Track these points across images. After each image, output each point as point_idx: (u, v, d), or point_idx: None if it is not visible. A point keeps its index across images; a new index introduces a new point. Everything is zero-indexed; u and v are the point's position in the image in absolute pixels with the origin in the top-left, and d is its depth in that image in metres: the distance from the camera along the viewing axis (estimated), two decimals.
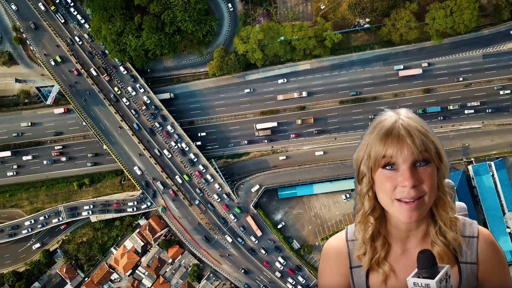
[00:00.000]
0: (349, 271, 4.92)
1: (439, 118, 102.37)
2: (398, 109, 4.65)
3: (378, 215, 4.76)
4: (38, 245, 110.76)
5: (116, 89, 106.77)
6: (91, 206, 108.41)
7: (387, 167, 4.42)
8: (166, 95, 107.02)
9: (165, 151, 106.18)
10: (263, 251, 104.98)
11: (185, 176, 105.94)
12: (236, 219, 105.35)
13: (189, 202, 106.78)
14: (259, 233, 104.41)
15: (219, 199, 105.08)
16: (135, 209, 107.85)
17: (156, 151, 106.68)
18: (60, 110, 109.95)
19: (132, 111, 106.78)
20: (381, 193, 4.54)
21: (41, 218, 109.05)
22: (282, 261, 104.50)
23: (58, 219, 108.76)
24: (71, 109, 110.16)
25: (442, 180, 4.61)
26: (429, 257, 4.26)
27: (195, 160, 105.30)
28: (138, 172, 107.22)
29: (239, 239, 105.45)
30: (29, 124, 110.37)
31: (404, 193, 4.36)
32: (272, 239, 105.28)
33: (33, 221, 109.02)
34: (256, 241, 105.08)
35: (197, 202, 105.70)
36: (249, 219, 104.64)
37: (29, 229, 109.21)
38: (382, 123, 4.52)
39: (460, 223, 4.81)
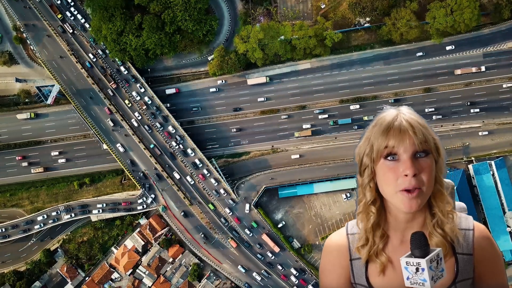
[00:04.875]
0: (349, 263, 5.10)
1: (354, 127, 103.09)
2: (399, 107, 4.85)
3: (378, 206, 4.95)
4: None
5: (127, 101, 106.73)
6: (104, 205, 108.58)
7: (389, 158, 4.63)
8: (262, 79, 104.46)
9: (188, 178, 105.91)
10: (279, 267, 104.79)
11: (210, 206, 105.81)
12: (251, 234, 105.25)
13: (189, 202, 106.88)
14: (276, 249, 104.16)
15: (231, 212, 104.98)
16: (145, 206, 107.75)
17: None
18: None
19: (146, 126, 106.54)
20: (384, 184, 4.73)
21: (53, 213, 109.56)
22: (295, 272, 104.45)
23: (71, 215, 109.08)
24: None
25: (439, 173, 4.80)
26: (421, 238, 4.43)
27: (200, 165, 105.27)
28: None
29: (258, 255, 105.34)
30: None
31: (405, 183, 4.55)
32: (291, 256, 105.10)
33: (46, 216, 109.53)
34: (273, 257, 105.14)
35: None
36: (265, 237, 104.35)
37: (41, 224, 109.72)
38: (384, 117, 4.73)
39: (457, 217, 4.98)
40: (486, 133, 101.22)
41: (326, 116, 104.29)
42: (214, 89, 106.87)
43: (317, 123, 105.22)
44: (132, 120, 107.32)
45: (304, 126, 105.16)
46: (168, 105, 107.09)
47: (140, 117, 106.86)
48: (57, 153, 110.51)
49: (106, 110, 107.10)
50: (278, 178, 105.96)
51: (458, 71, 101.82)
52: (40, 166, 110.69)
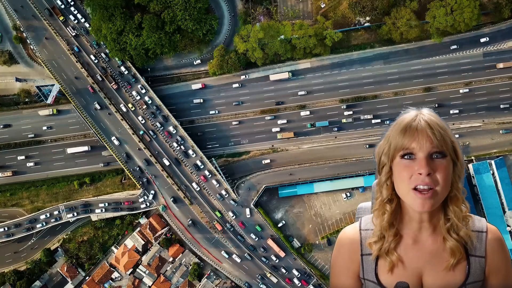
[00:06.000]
0: (360, 257, 5.17)
1: (334, 129, 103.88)
2: (420, 108, 4.88)
3: (395, 205, 4.99)
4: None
5: (130, 105, 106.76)
6: (106, 204, 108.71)
7: (406, 157, 4.67)
8: (285, 75, 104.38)
9: (194, 184, 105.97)
10: (283, 270, 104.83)
11: (216, 213, 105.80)
12: (257, 238, 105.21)
13: (189, 201, 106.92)
14: (282, 254, 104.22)
15: (234, 216, 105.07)
16: (148, 204, 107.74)
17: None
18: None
19: (150, 132, 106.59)
20: (399, 182, 4.78)
21: (56, 212, 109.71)
22: (297, 273, 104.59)
23: (73, 214, 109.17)
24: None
25: (457, 178, 4.81)
26: None
27: (202, 166, 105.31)
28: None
29: (263, 258, 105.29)
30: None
31: (418, 180, 4.58)
32: (295, 260, 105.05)
33: (48, 215, 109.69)
34: (277, 260, 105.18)
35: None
36: (270, 242, 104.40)
37: (44, 223, 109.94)
38: (404, 118, 4.80)
39: (472, 220, 5.04)
40: (457, 136, 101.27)
41: (285, 121, 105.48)
42: (237, 85, 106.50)
43: (297, 125, 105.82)
44: (121, 105, 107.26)
45: (273, 130, 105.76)
46: (201, 100, 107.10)
47: (143, 121, 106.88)
48: (23, 157, 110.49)
49: (89, 88, 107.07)
50: (278, 177, 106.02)
51: (500, 65, 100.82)
52: (9, 170, 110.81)
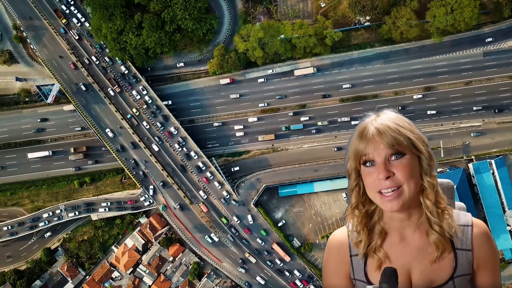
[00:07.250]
0: (349, 259, 5.29)
1: (312, 131, 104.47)
2: (382, 110, 4.97)
3: (371, 207, 5.13)
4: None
5: (134, 110, 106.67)
6: (109, 203, 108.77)
7: (367, 164, 4.83)
8: (310, 70, 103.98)
9: (201, 192, 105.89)
10: (287, 273, 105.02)
11: (223, 219, 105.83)
12: (263, 243, 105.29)
13: (189, 200, 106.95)
14: (287, 258, 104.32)
15: (238, 221, 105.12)
16: (151, 201, 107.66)
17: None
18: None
19: (156, 138, 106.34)
20: (366, 188, 4.98)
21: (58, 211, 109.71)
22: (298, 274, 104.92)
23: (75, 213, 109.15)
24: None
25: (425, 170, 4.87)
26: (392, 274, 4.61)
27: (203, 168, 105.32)
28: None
29: (268, 262, 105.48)
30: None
31: (381, 185, 4.75)
32: (300, 264, 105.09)
33: (51, 213, 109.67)
34: (281, 264, 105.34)
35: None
36: (275, 246, 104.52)
37: (46, 222, 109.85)
38: (359, 126, 4.98)
39: (454, 213, 5.08)
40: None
41: (241, 127, 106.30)
42: (262, 80, 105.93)
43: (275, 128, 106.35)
44: (108, 89, 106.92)
45: (237, 134, 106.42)
46: (238, 95, 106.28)
47: (148, 126, 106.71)
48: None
49: (71, 65, 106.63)
50: (278, 177, 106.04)
51: None
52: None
